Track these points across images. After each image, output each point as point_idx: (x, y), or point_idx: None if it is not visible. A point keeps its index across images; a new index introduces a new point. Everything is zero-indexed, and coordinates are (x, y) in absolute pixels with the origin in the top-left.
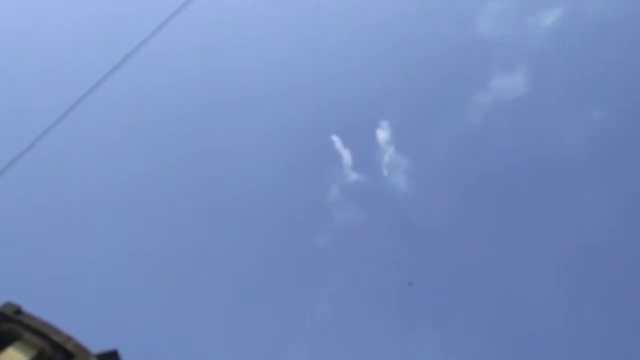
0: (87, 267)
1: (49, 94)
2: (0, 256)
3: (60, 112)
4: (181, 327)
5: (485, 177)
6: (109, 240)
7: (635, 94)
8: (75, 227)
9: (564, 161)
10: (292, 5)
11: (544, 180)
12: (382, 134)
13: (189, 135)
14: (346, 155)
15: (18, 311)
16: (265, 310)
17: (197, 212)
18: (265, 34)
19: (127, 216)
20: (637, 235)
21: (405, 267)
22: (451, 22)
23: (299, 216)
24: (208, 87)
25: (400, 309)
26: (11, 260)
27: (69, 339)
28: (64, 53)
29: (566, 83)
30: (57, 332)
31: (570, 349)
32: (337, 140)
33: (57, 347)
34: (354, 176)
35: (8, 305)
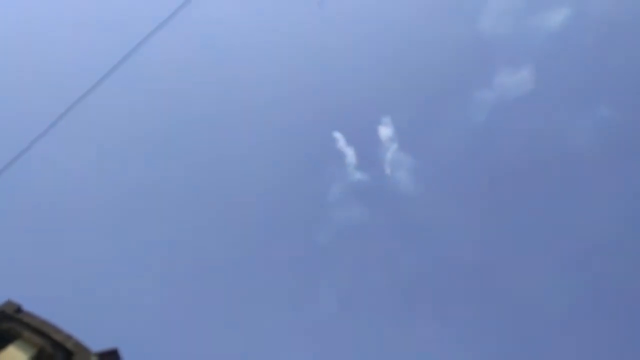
0: (87, 266)
1: (48, 95)
2: (0, 255)
3: (60, 112)
4: (181, 326)
5: (489, 175)
6: (109, 239)
7: None
8: (75, 226)
9: (568, 159)
10: (295, 2)
11: (548, 177)
12: (385, 131)
13: (190, 135)
14: (349, 153)
15: (18, 310)
16: (265, 310)
17: (198, 212)
18: (268, 32)
19: (127, 216)
20: None
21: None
22: (455, 19)
23: (301, 214)
24: (211, 87)
25: (401, 308)
26: (11, 259)
27: (69, 337)
28: (64, 53)
29: (571, 81)
30: (57, 330)
31: (577, 347)
32: (340, 138)
33: (57, 345)
34: (356, 173)
35: (8, 304)
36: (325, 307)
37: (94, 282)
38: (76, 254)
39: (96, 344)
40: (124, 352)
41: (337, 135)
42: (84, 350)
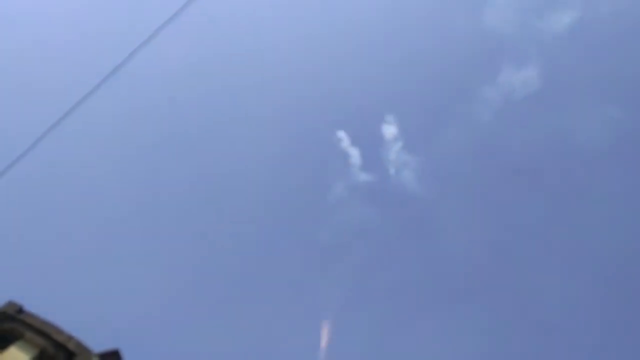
0: (88, 266)
1: (48, 95)
2: (2, 256)
3: (59, 113)
4: (183, 327)
5: (495, 174)
6: (110, 240)
7: None
8: (76, 227)
9: (574, 159)
10: (300, 2)
11: (554, 177)
12: (391, 131)
13: (194, 135)
14: (353, 153)
15: (20, 310)
16: (268, 310)
17: (201, 211)
18: (272, 31)
19: (127, 215)
20: None
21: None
22: (461, 17)
23: (305, 213)
24: (215, 87)
25: (406, 307)
26: (13, 260)
27: (71, 338)
28: (65, 53)
29: (579, 80)
30: (59, 331)
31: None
32: (344, 137)
33: (59, 346)
34: (360, 172)
35: (10, 304)
36: (328, 307)
37: (96, 282)
38: (77, 255)
39: (97, 345)
40: (125, 353)
41: (342, 134)
42: (86, 350)
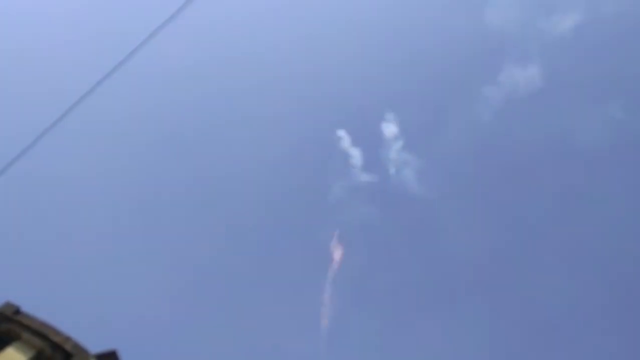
0: (86, 267)
1: (48, 94)
2: None
3: (58, 112)
4: (181, 328)
5: (495, 174)
6: (108, 240)
7: None
8: (73, 227)
9: (576, 158)
10: (301, 2)
11: (556, 177)
12: (391, 130)
13: (195, 136)
14: (354, 153)
15: (17, 311)
16: (268, 310)
17: (201, 212)
18: (273, 32)
19: (126, 215)
20: None
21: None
22: (462, 16)
23: (306, 213)
24: (215, 88)
25: (407, 307)
26: (10, 260)
27: (68, 339)
28: (66, 54)
29: (580, 79)
30: (56, 332)
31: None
32: (344, 136)
33: (56, 347)
34: (361, 172)
35: (7, 305)
36: (329, 306)
37: (93, 283)
38: (75, 255)
39: (95, 346)
40: (122, 354)
41: (342, 134)
42: (83, 351)
